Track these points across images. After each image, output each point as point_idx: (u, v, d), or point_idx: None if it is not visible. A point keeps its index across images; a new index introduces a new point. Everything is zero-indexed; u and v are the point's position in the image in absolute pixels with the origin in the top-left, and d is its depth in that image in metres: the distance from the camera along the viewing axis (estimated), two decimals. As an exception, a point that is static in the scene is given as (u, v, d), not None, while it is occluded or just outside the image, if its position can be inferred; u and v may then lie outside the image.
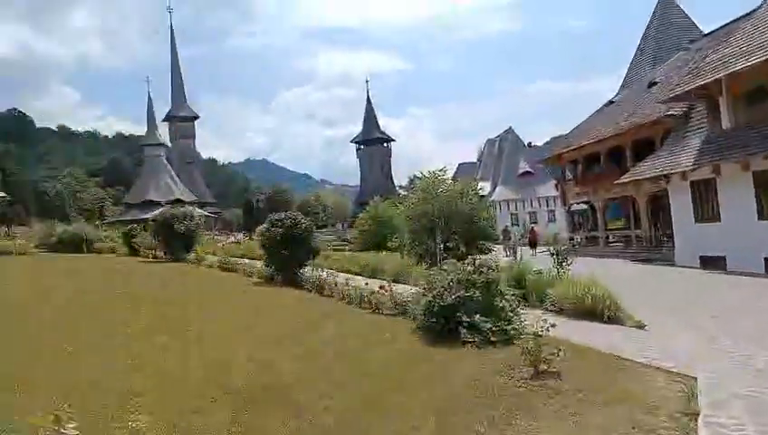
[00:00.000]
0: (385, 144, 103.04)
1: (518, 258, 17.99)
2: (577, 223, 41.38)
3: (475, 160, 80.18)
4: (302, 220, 15.27)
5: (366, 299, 10.55)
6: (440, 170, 20.91)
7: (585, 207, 35.04)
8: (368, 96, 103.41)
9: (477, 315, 7.55)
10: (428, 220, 19.52)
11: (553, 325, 6.75)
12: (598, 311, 9.16)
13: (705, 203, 18.85)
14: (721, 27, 23.91)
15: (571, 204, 33.80)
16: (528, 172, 65.46)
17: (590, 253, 27.05)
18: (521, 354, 6.27)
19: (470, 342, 7.31)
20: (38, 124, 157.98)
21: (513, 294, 8.41)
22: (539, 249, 35.01)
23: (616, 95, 32.44)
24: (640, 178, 21.60)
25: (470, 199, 19.72)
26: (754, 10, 18.59)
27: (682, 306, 11.04)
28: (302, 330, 8.99)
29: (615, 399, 5.53)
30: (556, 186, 36.53)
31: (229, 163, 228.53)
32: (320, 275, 13.33)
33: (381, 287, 10.68)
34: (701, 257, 18.88)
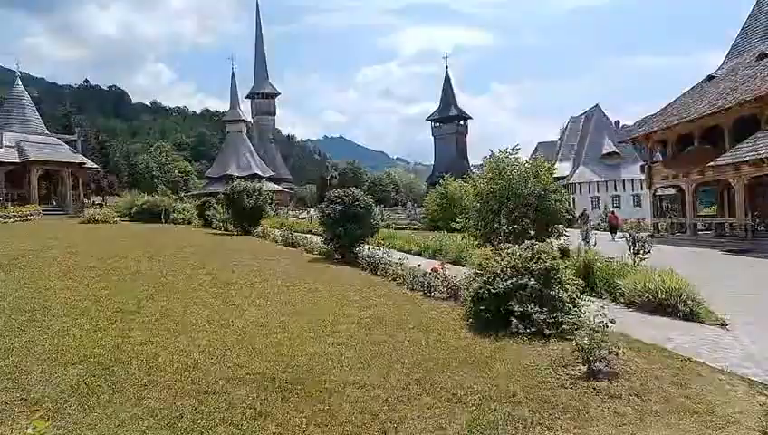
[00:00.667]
0: (461, 122, 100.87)
1: (592, 244, 16.78)
2: (665, 208, 38.45)
3: (556, 139, 76.44)
4: (362, 197, 14.97)
5: (418, 281, 10.11)
6: (512, 149, 19.92)
7: (673, 191, 32.46)
8: (446, 72, 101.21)
9: (531, 305, 6.91)
10: (496, 201, 18.72)
11: (612, 321, 6.00)
12: (672, 306, 8.17)
13: (816, 190, 16.66)
14: None
15: (657, 188, 31.30)
16: (614, 153, 61.71)
17: (677, 241, 24.98)
18: (573, 351, 5.62)
19: (521, 333, 6.71)
20: (134, 100, 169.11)
21: (575, 284, 7.62)
22: (619, 235, 33.07)
23: (718, 69, 29.31)
24: (737, 160, 19.45)
25: (542, 180, 18.66)
26: None
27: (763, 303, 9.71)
28: (330, 313, 8.59)
29: (681, 409, 4.81)
30: (642, 167, 33.99)
31: (307, 140, 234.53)
32: (375, 254, 12.98)
33: (433, 269, 10.19)
34: (807, 251, 16.78)
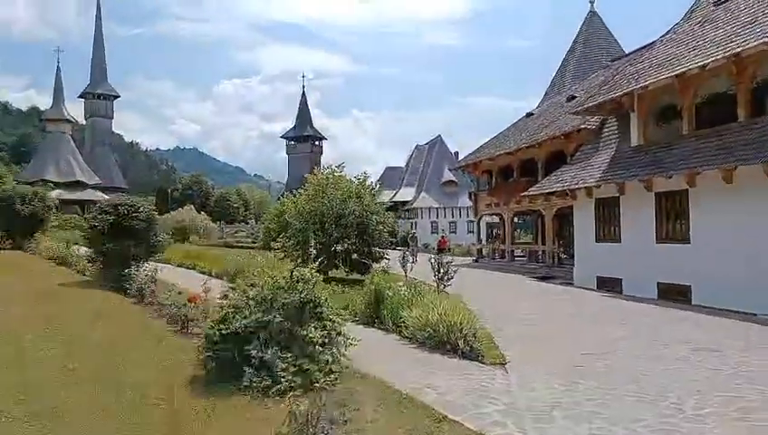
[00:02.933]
0: (316, 142, 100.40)
1: (409, 268, 16.19)
2: (494, 235, 40.85)
3: (402, 165, 78.86)
4: (144, 208, 12.66)
5: (176, 313, 8.23)
6: (337, 166, 18.97)
7: (497, 219, 34.30)
8: (303, 92, 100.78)
9: (274, 349, 5.47)
10: (316, 220, 17.48)
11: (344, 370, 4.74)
12: (453, 342, 7.33)
13: (608, 222, 17.94)
14: (642, 47, 23.40)
15: (482, 215, 32.82)
16: (452, 181, 65.06)
17: (494, 266, 25.95)
18: (286, 418, 4.21)
19: (255, 387, 5.22)
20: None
21: (339, 319, 6.33)
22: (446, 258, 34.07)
23: (536, 108, 31.81)
24: (546, 191, 20.54)
25: (364, 201, 17.86)
26: (672, 28, 17.87)
27: (559, 336, 9.49)
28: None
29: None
30: (470, 195, 35.56)
31: (156, 149, 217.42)
32: (147, 277, 10.78)
33: (190, 299, 8.38)
34: (598, 278, 17.93)
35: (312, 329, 5.64)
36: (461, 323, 7.45)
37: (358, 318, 9.45)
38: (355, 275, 18.44)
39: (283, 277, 6.10)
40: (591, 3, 31.62)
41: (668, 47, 16.13)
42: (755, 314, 11.84)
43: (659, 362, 7.35)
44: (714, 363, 7.25)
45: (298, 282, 6.01)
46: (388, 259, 18.39)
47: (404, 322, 8.20)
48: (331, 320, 5.97)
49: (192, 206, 51.18)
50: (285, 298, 5.76)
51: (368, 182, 18.46)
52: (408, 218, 68.02)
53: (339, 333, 5.91)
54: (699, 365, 7.18)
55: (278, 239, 18.89)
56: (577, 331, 10.11)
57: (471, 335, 7.33)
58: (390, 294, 9.09)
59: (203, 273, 15.53)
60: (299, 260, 16.89)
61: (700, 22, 15.67)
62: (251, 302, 5.79)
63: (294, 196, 19.50)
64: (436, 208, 65.91)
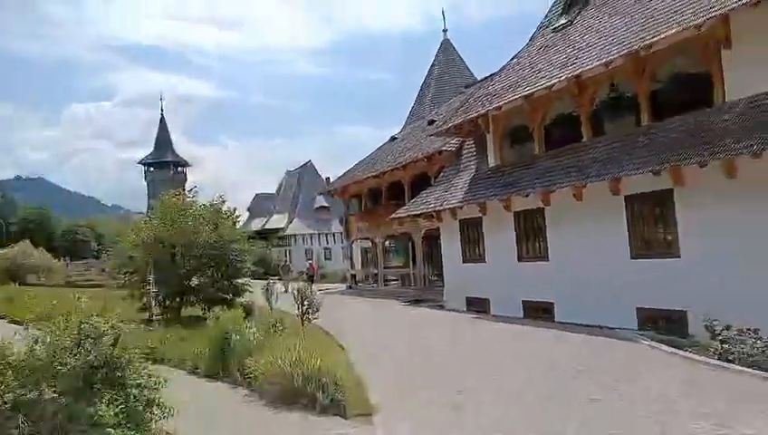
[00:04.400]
0: (178, 168, 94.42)
1: (274, 301, 14.84)
2: (369, 260, 40.50)
3: (273, 192, 76.51)
4: None
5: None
6: (188, 191, 17.09)
7: (369, 244, 33.91)
8: (161, 116, 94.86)
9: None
10: (164, 251, 15.45)
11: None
12: (310, 394, 6.24)
13: (473, 243, 18.13)
14: (494, 73, 24.52)
15: (354, 239, 32.28)
16: (324, 207, 64.19)
17: (367, 292, 25.34)
18: None
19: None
20: None
21: (153, 382, 4.91)
22: (316, 285, 32.92)
23: (400, 132, 32.21)
24: (412, 213, 20.41)
25: (220, 229, 16.18)
26: (518, 53, 18.77)
27: (432, 371, 8.81)
28: None
29: None
30: (341, 220, 34.92)
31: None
32: None
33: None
34: (467, 299, 17.97)
35: (104, 405, 4.21)
36: (319, 370, 6.39)
37: (200, 370, 7.97)
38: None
39: (70, 332, 4.59)
40: (444, 32, 33.02)
41: (516, 70, 16.80)
42: (613, 328, 12.20)
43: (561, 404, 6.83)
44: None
45: (87, 338, 4.53)
46: (252, 292, 16.86)
47: (253, 372, 6.94)
48: (139, 386, 4.57)
49: (29, 241, 44.58)
50: (67, 363, 4.27)
51: (225, 207, 16.82)
52: (282, 246, 65.87)
53: (149, 404, 4.53)
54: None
55: (119, 275, 16.44)
56: (449, 362, 9.52)
57: (331, 383, 6.28)
58: (236, 338, 7.75)
59: (14, 322, 12.80)
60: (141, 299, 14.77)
61: (542, 47, 16.53)
62: (9, 371, 4.19)
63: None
64: (310, 235, 64.51)
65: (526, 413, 5.85)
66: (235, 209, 17.01)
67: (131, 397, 4.38)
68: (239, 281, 16.51)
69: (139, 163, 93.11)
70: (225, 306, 15.85)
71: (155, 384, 4.69)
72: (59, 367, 4.17)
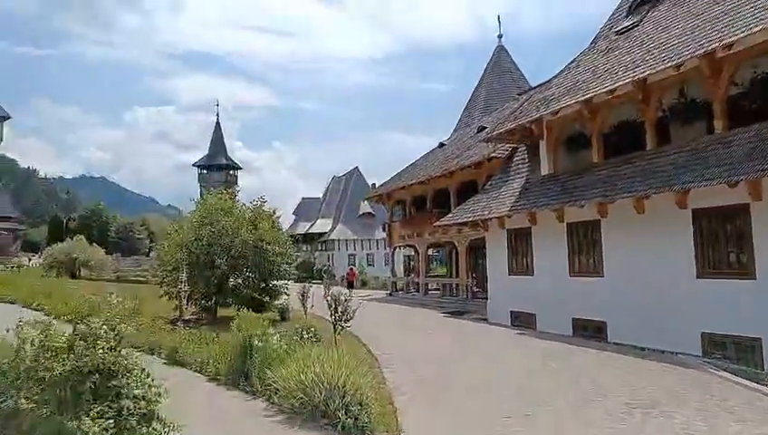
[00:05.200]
0: (231, 172, 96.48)
1: (309, 305, 14.36)
2: (412, 268, 39.71)
3: (319, 196, 76.94)
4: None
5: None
6: (226, 190, 16.90)
7: (412, 252, 33.23)
8: (217, 119, 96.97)
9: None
10: (203, 251, 15.24)
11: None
12: (332, 412, 5.61)
13: (521, 254, 17.13)
14: (550, 79, 23.46)
15: (396, 247, 31.63)
16: (369, 213, 63.89)
17: (407, 300, 24.62)
18: None
19: None
20: None
21: (154, 393, 4.38)
22: (357, 291, 32.46)
23: (448, 138, 31.41)
24: (458, 222, 19.59)
25: (259, 229, 15.85)
26: (577, 57, 17.71)
27: (473, 391, 8.03)
28: None
29: None
30: (383, 227, 34.37)
31: (59, 178, 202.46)
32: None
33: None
34: (512, 313, 16.97)
35: (89, 419, 3.68)
36: (344, 385, 5.75)
37: (220, 377, 7.49)
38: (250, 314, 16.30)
39: (65, 334, 4.12)
40: (499, 37, 32.05)
41: (575, 74, 15.79)
42: (675, 354, 11.10)
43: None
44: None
45: (82, 340, 4.04)
46: (288, 295, 16.46)
47: (271, 382, 6.37)
48: (135, 398, 4.04)
49: (83, 237, 46.17)
50: (52, 368, 3.79)
51: (266, 208, 16.51)
52: (325, 250, 66.06)
53: (147, 418, 4.00)
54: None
55: (157, 274, 16.38)
56: (494, 381, 8.70)
57: (356, 402, 5.62)
58: (259, 344, 7.20)
59: (48, 315, 12.78)
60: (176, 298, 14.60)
61: (604, 51, 15.46)
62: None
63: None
64: (354, 240, 64.35)
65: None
66: (275, 211, 16.68)
67: (125, 410, 3.86)
68: (276, 283, 16.13)
69: (193, 165, 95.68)
70: (255, 309, 15.72)
71: (155, 396, 4.17)
72: (42, 372, 3.70)
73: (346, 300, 10.17)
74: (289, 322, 14.94)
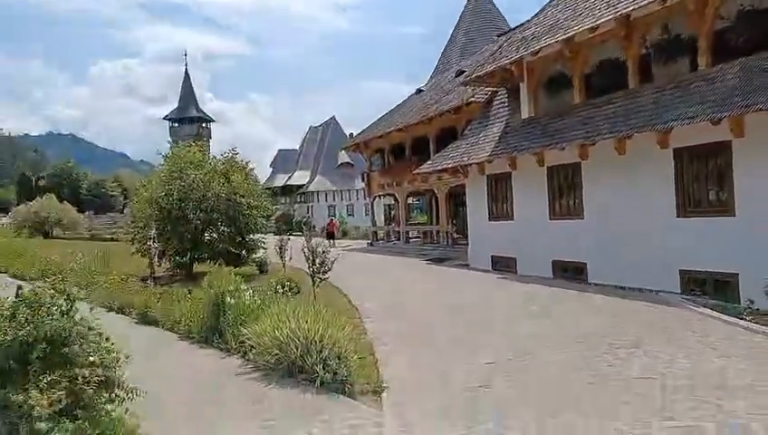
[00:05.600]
0: (203, 124, 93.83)
1: (287, 257, 14.08)
2: (392, 217, 39.56)
3: (296, 148, 75.53)
4: None
5: None
6: (194, 142, 16.22)
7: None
8: (185, 71, 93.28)
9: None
10: (173, 206, 14.72)
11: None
12: (309, 367, 5.39)
13: (501, 200, 16.96)
14: (529, 20, 22.66)
15: (376, 196, 31.31)
16: (348, 163, 63.09)
17: (388, 249, 24.55)
18: None
19: None
20: None
21: (113, 358, 4.03)
22: (338, 242, 32.34)
23: (425, 84, 30.60)
24: (437, 168, 19.25)
25: (233, 181, 15.33)
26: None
27: (456, 338, 7.92)
28: None
29: None
30: (362, 176, 33.92)
31: (24, 135, 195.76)
32: None
33: None
34: (492, 258, 16.95)
35: (37, 392, 3.36)
36: (321, 339, 5.52)
37: (193, 335, 7.23)
38: (227, 269, 16.01)
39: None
40: (478, -24, 30.74)
41: (555, 12, 15.17)
42: (653, 291, 11.17)
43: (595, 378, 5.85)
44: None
45: (26, 307, 3.67)
46: (266, 248, 16.15)
47: (244, 338, 6.12)
48: (93, 365, 3.72)
49: (53, 195, 44.90)
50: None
51: (238, 159, 15.91)
52: (305, 202, 65.51)
53: (107, 386, 3.70)
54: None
55: (129, 231, 15.86)
56: (476, 327, 8.61)
57: (334, 356, 5.41)
58: (232, 301, 6.89)
59: (15, 277, 12.32)
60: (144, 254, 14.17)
61: (587, -16, 14.80)
62: None
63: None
64: (333, 191, 63.80)
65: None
66: (248, 162, 16.11)
67: (80, 378, 3.55)
68: (252, 237, 15.77)
69: (163, 119, 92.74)
70: (233, 263, 15.41)
71: (113, 361, 3.86)
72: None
73: (323, 251, 9.87)
74: (267, 275, 14.70)
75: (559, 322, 8.63)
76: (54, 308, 3.72)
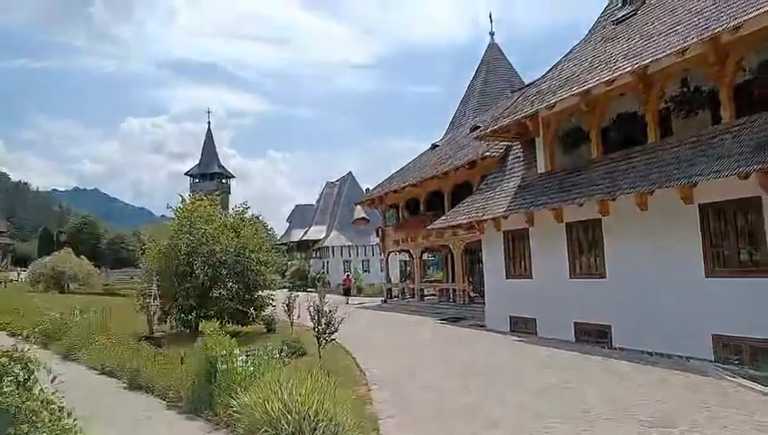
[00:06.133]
0: (223, 180, 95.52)
1: (295, 315, 13.53)
2: (408, 273, 38.86)
3: (313, 203, 76.00)
4: None
5: None
6: (207, 196, 16.05)
7: (407, 257, 32.43)
8: (208, 128, 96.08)
9: None
10: (180, 261, 14.40)
11: None
12: (302, 446, 4.78)
13: (518, 257, 16.34)
14: (544, 74, 22.74)
15: (390, 252, 30.79)
16: (363, 218, 63.00)
17: (402, 307, 23.81)
18: None
19: None
20: None
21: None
22: (352, 299, 31.65)
23: (441, 139, 30.65)
24: (452, 224, 18.79)
25: (242, 236, 15.02)
26: (573, 48, 16.97)
27: (471, 414, 7.20)
28: None
29: None
30: (377, 232, 33.54)
31: (52, 190, 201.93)
32: None
33: None
34: (510, 318, 16.16)
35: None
36: (316, 414, 4.93)
37: (182, 404, 6.65)
38: (234, 327, 15.49)
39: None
40: (491, 35, 31.35)
41: (571, 66, 15.07)
42: (686, 359, 10.34)
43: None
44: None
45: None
46: (275, 306, 15.62)
47: (234, 410, 5.54)
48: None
49: (70, 249, 45.18)
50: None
51: (248, 214, 15.67)
52: (320, 258, 65.14)
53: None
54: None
55: (136, 287, 15.52)
56: (490, 399, 7.87)
57: (330, 433, 4.80)
58: (223, 367, 6.34)
59: (13, 335, 11.90)
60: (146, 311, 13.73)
61: (601, 41, 14.76)
62: None
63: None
64: (349, 247, 63.43)
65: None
66: (258, 216, 15.83)
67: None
68: (261, 294, 15.28)
69: (185, 175, 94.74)
70: (240, 322, 14.89)
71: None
72: None
73: (330, 311, 9.33)
74: (276, 334, 14.13)
75: (581, 396, 7.86)
76: (9, 379, 3.27)
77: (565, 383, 8.59)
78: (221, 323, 15.12)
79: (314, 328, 9.24)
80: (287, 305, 13.10)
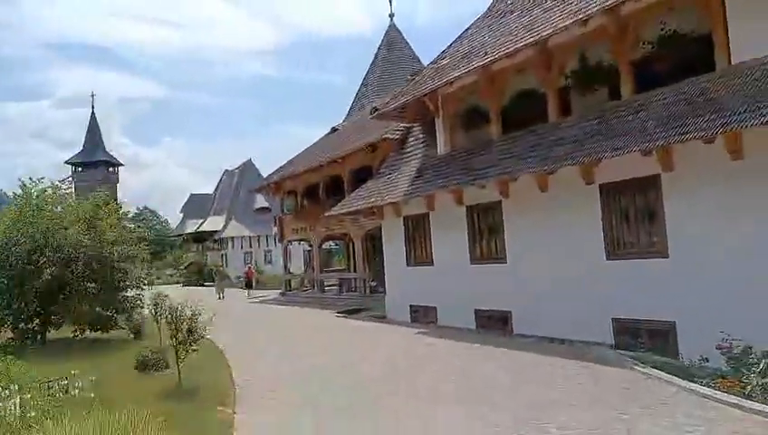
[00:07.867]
0: (110, 168, 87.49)
1: (160, 320, 11.57)
2: (310, 263, 37.29)
3: (210, 192, 71.61)
4: None
5: None
6: (60, 182, 13.53)
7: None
8: (92, 113, 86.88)
9: None
10: (21, 258, 11.88)
11: None
12: None
13: (419, 243, 15.47)
14: (441, 53, 22.00)
15: (289, 241, 29.09)
16: (265, 208, 60.22)
17: (302, 299, 22.35)
18: None
19: None
20: None
21: None
22: (253, 292, 29.71)
23: (342, 122, 29.31)
24: (351, 210, 17.58)
25: (98, 228, 12.74)
26: (473, 23, 16.19)
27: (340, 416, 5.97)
28: None
29: None
30: (275, 220, 31.69)
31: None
32: None
33: None
34: (411, 308, 15.29)
35: None
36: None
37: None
38: (96, 334, 13.22)
39: None
40: (391, 17, 30.35)
41: (471, 41, 14.27)
42: (587, 344, 9.87)
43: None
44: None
45: None
46: (143, 308, 13.50)
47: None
48: None
49: None
50: None
51: (110, 204, 13.34)
52: (219, 250, 61.51)
53: None
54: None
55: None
56: (373, 404, 6.70)
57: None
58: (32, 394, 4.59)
59: None
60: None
61: (501, 12, 14.09)
62: None
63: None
64: (249, 237, 60.40)
65: None
66: (120, 205, 13.55)
67: None
68: (127, 294, 13.10)
69: (65, 163, 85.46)
70: (101, 328, 12.73)
71: None
72: None
73: (193, 314, 7.67)
74: (144, 341, 12.16)
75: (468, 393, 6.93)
76: None
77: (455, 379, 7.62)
78: (78, 330, 12.88)
79: (171, 337, 7.55)
80: (154, 306, 11.13)
